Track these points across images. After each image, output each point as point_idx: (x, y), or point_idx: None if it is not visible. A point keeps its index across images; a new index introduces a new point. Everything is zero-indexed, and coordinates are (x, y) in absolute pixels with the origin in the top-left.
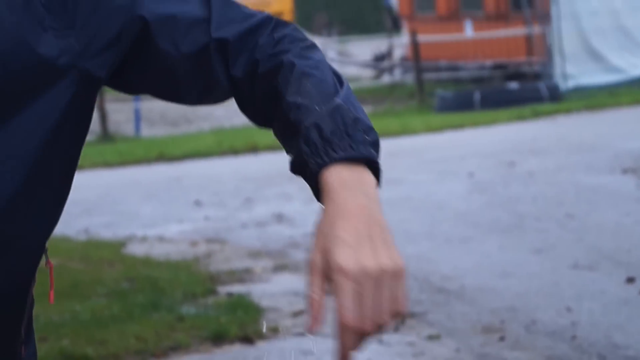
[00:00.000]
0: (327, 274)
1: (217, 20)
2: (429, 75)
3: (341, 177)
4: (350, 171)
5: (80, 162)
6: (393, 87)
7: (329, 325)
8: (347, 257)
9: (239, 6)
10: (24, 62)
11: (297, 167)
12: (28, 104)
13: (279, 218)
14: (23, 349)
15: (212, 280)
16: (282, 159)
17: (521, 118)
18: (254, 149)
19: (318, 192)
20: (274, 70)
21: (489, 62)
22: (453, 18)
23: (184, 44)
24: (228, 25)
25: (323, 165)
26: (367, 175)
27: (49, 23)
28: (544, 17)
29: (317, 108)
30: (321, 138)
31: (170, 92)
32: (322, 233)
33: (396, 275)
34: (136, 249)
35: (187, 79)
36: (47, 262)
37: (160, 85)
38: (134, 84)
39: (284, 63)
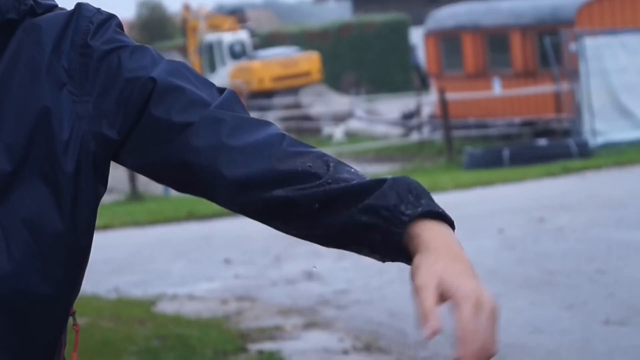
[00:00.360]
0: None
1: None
2: (457, 133)
3: (433, 226)
4: (435, 222)
5: (110, 221)
6: (422, 145)
7: None
8: (468, 283)
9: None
10: (43, 126)
11: (377, 245)
12: (44, 166)
13: (309, 275)
14: None
15: (243, 338)
16: None
17: (551, 174)
18: None
19: (400, 253)
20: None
21: (517, 119)
22: (481, 76)
23: (177, 113)
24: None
25: (409, 221)
26: (447, 225)
27: (69, 89)
28: (573, 74)
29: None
30: (399, 199)
31: (154, 174)
32: (429, 267)
33: (495, 314)
34: (166, 307)
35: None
36: (75, 324)
37: (149, 164)
38: (129, 158)
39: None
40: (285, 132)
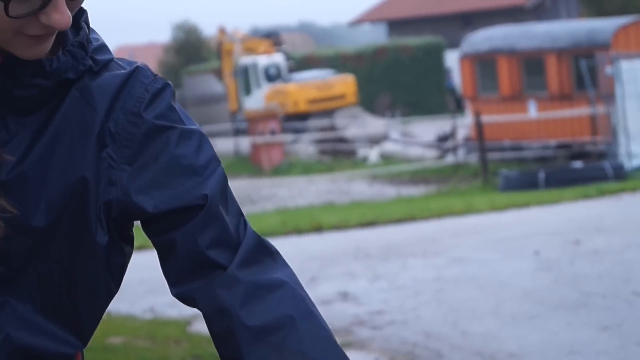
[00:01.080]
0: None
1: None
2: (492, 155)
3: None
4: None
5: (145, 242)
6: (457, 167)
7: None
8: None
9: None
10: (80, 193)
11: None
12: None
13: (344, 296)
14: None
15: None
16: (346, 238)
17: (586, 197)
18: (318, 228)
19: None
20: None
21: (553, 142)
22: (517, 99)
23: (208, 245)
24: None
25: None
26: None
27: (109, 152)
28: (608, 97)
29: None
30: None
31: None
32: None
33: None
34: (202, 327)
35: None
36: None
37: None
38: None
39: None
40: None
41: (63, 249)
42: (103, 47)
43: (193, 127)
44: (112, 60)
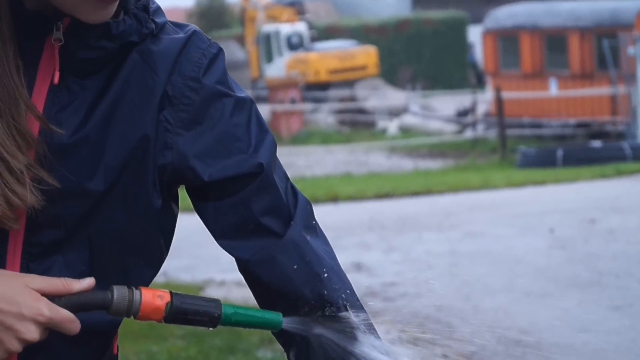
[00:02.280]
0: None
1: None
2: (511, 132)
3: None
4: None
5: None
6: (475, 142)
7: None
8: None
9: None
10: (140, 153)
11: None
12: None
13: (358, 267)
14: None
15: None
16: (362, 209)
17: (604, 176)
18: (334, 198)
19: None
20: None
21: (572, 121)
22: (538, 76)
23: (263, 213)
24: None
25: None
26: None
27: (166, 115)
28: (630, 78)
29: None
30: None
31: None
32: None
33: None
34: (214, 293)
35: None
36: None
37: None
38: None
39: None
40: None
41: (118, 212)
42: (159, 10)
43: (245, 95)
44: (167, 22)
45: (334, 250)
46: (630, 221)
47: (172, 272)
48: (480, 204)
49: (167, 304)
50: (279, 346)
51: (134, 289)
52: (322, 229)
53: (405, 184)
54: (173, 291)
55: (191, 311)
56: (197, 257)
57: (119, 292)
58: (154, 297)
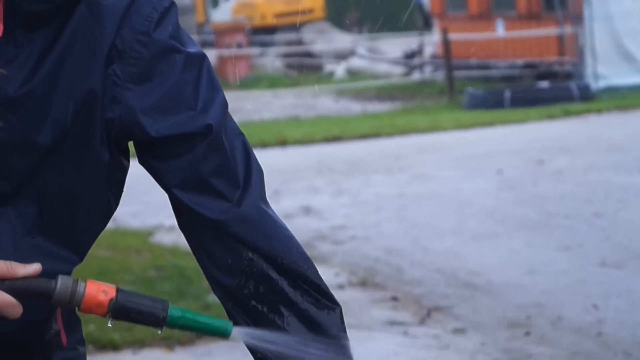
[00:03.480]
0: None
1: None
2: (459, 73)
3: None
4: None
5: None
6: (423, 84)
7: None
8: None
9: None
10: (88, 108)
11: None
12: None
13: (307, 211)
14: (63, 337)
15: None
16: (310, 153)
17: (551, 117)
18: (282, 142)
19: None
20: None
21: (520, 61)
22: (484, 17)
23: (211, 173)
24: None
25: None
26: None
27: (114, 69)
28: (577, 18)
29: None
30: None
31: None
32: None
33: None
34: (164, 238)
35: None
36: None
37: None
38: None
39: None
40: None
41: (66, 165)
42: None
43: (197, 50)
44: None
45: (283, 194)
46: (578, 162)
47: (121, 218)
48: (428, 146)
49: (110, 300)
50: None
51: (79, 281)
52: (271, 173)
53: (353, 127)
54: (121, 288)
55: (135, 310)
56: (146, 203)
57: (62, 282)
58: (98, 291)
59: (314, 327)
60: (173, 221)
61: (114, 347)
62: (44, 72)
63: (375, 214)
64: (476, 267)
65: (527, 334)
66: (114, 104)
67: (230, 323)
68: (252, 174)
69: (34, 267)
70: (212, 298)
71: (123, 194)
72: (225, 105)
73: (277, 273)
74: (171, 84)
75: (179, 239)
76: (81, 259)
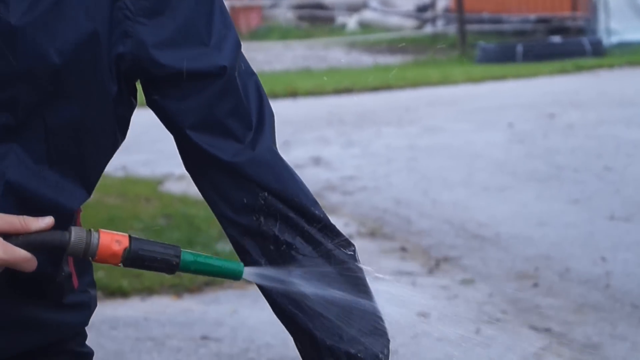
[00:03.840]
0: None
1: None
2: (471, 27)
3: None
4: None
5: None
6: (435, 38)
7: None
8: None
9: None
10: (93, 44)
11: None
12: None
13: (317, 161)
14: (74, 280)
15: None
16: (321, 104)
17: (563, 71)
18: (293, 93)
19: None
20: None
21: (532, 16)
22: None
23: (225, 114)
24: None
25: None
26: None
27: (125, 2)
28: None
29: None
30: None
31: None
32: None
33: None
34: (173, 187)
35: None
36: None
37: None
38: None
39: None
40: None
41: (72, 97)
42: None
43: None
44: None
45: (293, 144)
46: (588, 116)
47: (131, 166)
48: (439, 99)
49: (124, 249)
50: None
51: (92, 231)
52: (281, 123)
53: (364, 79)
54: (133, 236)
55: (149, 258)
56: (157, 152)
57: (76, 234)
58: (112, 241)
59: (331, 262)
60: (183, 170)
61: (123, 294)
62: (47, 2)
63: (385, 165)
64: (485, 219)
65: (535, 285)
66: (125, 37)
67: (242, 264)
68: (265, 116)
69: (47, 221)
70: (221, 246)
71: (134, 141)
72: (239, 44)
73: (294, 212)
74: (184, 17)
75: (188, 187)
76: (89, 194)
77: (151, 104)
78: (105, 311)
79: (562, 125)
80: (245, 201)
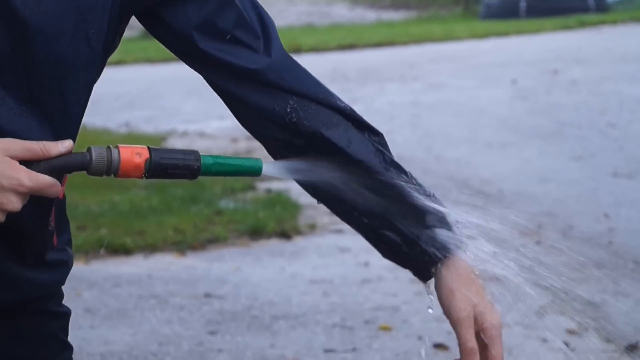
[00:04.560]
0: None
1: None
2: None
3: (464, 261)
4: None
5: (123, 57)
6: None
7: None
8: (496, 313)
9: None
10: None
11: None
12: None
13: None
14: (55, 238)
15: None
16: (324, 60)
17: (567, 27)
18: (297, 50)
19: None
20: None
21: None
22: None
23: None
24: None
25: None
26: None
27: None
28: None
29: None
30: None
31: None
32: (466, 289)
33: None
34: (177, 143)
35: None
36: None
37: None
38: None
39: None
40: None
41: (52, 35)
42: None
43: None
44: None
45: None
46: (592, 72)
47: (134, 123)
48: (442, 56)
49: (146, 160)
50: (241, 196)
51: (111, 148)
52: None
53: (368, 35)
54: (151, 147)
55: (170, 165)
56: (160, 108)
57: (97, 153)
58: (132, 154)
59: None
60: (186, 126)
61: (126, 251)
62: None
63: (388, 121)
64: (488, 176)
65: (538, 242)
66: None
67: (260, 160)
68: (267, 25)
69: (67, 144)
70: (224, 203)
71: (137, 98)
72: None
73: (325, 107)
74: None
75: (191, 144)
76: (74, 139)
77: (155, 28)
78: (108, 269)
79: (565, 81)
80: (275, 108)
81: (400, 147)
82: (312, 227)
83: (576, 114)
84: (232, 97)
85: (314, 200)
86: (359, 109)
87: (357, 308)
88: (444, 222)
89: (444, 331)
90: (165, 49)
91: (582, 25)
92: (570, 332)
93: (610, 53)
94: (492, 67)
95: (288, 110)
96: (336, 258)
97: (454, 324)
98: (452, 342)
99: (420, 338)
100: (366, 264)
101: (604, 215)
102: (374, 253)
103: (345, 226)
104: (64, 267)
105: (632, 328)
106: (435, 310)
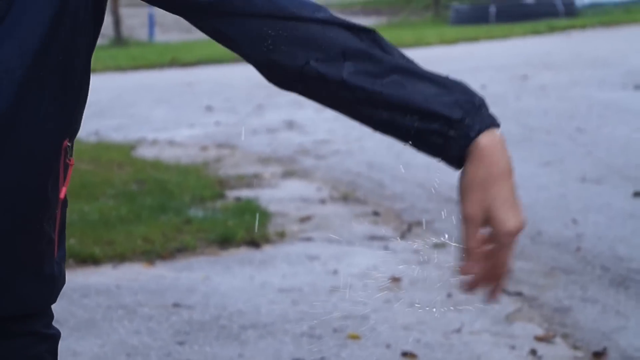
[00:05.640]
0: (483, 225)
1: None
2: None
3: (493, 140)
4: (494, 135)
5: (92, 65)
6: None
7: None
8: (513, 218)
9: None
10: None
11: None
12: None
13: (290, 125)
14: (55, 248)
15: (221, 185)
16: None
17: (536, 32)
18: None
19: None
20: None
21: None
22: None
23: None
24: None
25: (472, 135)
26: (501, 136)
27: None
28: None
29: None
30: (465, 112)
31: None
32: (483, 189)
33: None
34: (146, 152)
35: None
36: (69, 158)
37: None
38: None
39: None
40: None
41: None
42: None
43: None
44: None
45: (267, 108)
46: (561, 77)
47: (104, 131)
48: None
49: None
50: (210, 204)
51: None
52: (255, 87)
53: None
54: None
55: None
56: (129, 117)
57: None
58: None
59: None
60: (155, 135)
61: (94, 261)
62: None
63: (358, 128)
64: (456, 181)
65: None
66: None
67: None
68: None
69: None
70: (194, 212)
71: (106, 107)
72: None
73: (304, 22)
74: None
75: (161, 153)
76: (76, 127)
77: None
78: (77, 279)
79: (534, 86)
80: (254, 34)
81: (369, 154)
82: (282, 235)
83: (545, 119)
84: (220, 37)
85: (283, 208)
86: (329, 116)
87: (326, 317)
88: (469, 103)
89: (412, 340)
90: (137, 55)
91: (552, 30)
92: (539, 338)
93: (580, 58)
94: (462, 72)
95: (266, 35)
96: (305, 266)
97: (461, 221)
98: (420, 350)
99: (388, 347)
100: (335, 272)
101: (572, 221)
102: (343, 261)
103: (315, 234)
104: (57, 283)
105: (600, 334)
106: (403, 318)
